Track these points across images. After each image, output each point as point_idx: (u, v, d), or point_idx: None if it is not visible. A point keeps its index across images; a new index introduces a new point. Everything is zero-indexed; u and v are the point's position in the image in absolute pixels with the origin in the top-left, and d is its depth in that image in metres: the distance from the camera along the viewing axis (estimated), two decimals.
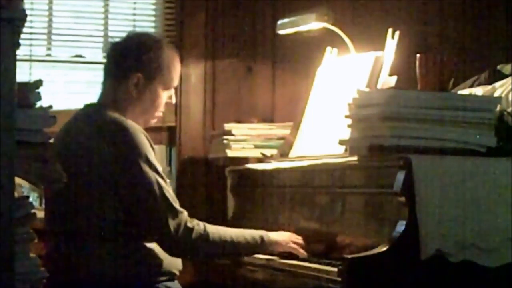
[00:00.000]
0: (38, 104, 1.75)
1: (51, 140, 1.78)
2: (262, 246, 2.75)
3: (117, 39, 2.88)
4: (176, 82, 2.87)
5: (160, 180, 2.61)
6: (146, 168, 2.59)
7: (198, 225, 2.64)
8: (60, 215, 2.68)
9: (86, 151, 2.63)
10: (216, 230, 2.68)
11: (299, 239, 2.81)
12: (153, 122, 2.87)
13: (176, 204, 2.63)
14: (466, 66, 4.15)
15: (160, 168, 2.66)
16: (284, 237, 2.79)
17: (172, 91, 2.88)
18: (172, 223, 2.58)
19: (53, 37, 4.07)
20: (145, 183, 2.59)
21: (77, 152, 2.64)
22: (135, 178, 2.59)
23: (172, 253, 2.65)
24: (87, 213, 2.61)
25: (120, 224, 2.60)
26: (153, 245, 2.64)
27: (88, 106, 2.81)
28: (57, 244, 2.70)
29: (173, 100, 2.88)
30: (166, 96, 2.83)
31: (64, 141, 2.69)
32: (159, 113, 2.85)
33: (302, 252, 2.76)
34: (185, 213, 2.64)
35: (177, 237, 2.59)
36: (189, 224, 2.62)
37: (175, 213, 2.60)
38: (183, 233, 2.60)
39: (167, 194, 2.61)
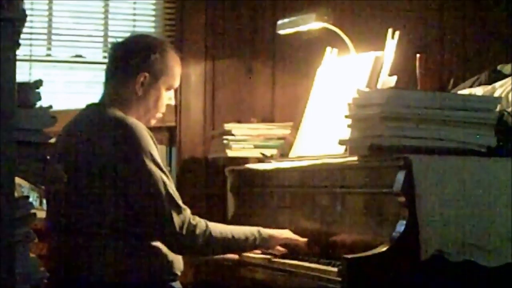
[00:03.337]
0: (38, 104, 1.75)
1: (52, 140, 1.78)
2: (260, 240, 2.77)
3: (120, 40, 2.90)
4: (177, 83, 2.91)
5: (164, 177, 2.63)
6: (151, 165, 2.61)
7: (201, 222, 2.66)
8: (64, 213, 2.68)
9: (90, 149, 2.63)
10: (217, 227, 2.70)
11: (297, 237, 2.82)
12: (153, 122, 2.89)
13: (180, 201, 2.65)
14: (466, 66, 4.15)
15: (163, 165, 2.67)
16: (280, 231, 2.83)
17: (172, 93, 2.92)
18: (176, 220, 2.60)
19: (53, 37, 4.07)
20: (150, 179, 2.60)
21: (81, 150, 2.65)
22: (139, 175, 2.60)
23: (176, 250, 2.67)
24: (92, 211, 2.61)
25: (124, 222, 2.61)
26: (157, 244, 2.65)
27: (90, 106, 2.82)
28: (60, 242, 2.70)
29: (172, 102, 2.93)
30: (167, 97, 2.87)
31: (67, 140, 2.70)
32: (159, 114, 2.88)
33: (301, 240, 2.78)
34: (188, 210, 2.66)
35: (181, 234, 2.61)
36: (192, 221, 2.63)
37: (179, 210, 2.62)
38: (187, 230, 2.61)
39: (171, 191, 2.63)
